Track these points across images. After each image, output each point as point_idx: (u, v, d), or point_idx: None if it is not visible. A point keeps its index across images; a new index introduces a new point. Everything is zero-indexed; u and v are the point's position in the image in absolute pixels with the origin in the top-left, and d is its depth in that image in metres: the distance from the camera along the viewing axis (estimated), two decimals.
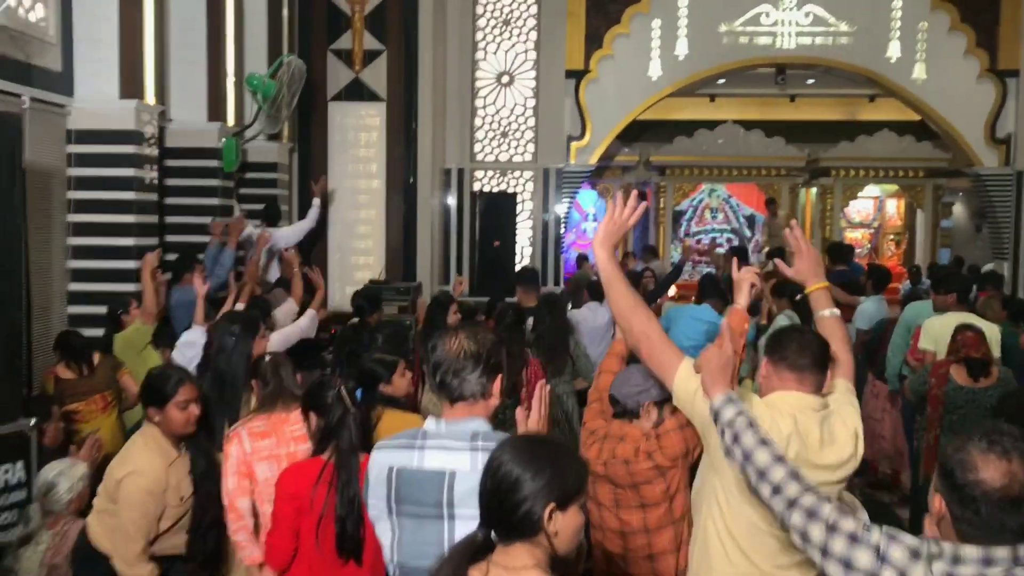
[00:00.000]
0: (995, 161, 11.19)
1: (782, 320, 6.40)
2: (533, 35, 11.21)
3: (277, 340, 5.17)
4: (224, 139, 7.78)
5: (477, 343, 2.34)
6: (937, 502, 1.73)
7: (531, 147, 11.33)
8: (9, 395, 3.88)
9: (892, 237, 15.72)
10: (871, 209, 15.77)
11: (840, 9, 11.16)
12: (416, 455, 2.30)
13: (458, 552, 1.83)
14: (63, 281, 6.36)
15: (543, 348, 5.53)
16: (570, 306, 7.18)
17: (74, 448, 3.73)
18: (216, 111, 7.87)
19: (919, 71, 11.18)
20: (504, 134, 11.35)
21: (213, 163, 7.73)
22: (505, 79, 11.27)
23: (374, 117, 10.36)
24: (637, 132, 13.30)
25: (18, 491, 3.79)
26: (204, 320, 5.29)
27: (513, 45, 11.24)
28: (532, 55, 11.22)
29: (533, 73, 11.22)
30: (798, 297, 6.46)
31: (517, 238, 11.11)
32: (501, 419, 4.25)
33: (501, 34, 11.24)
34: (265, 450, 3.41)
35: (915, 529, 1.97)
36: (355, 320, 5.97)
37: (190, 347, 5.01)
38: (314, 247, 9.99)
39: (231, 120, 8.20)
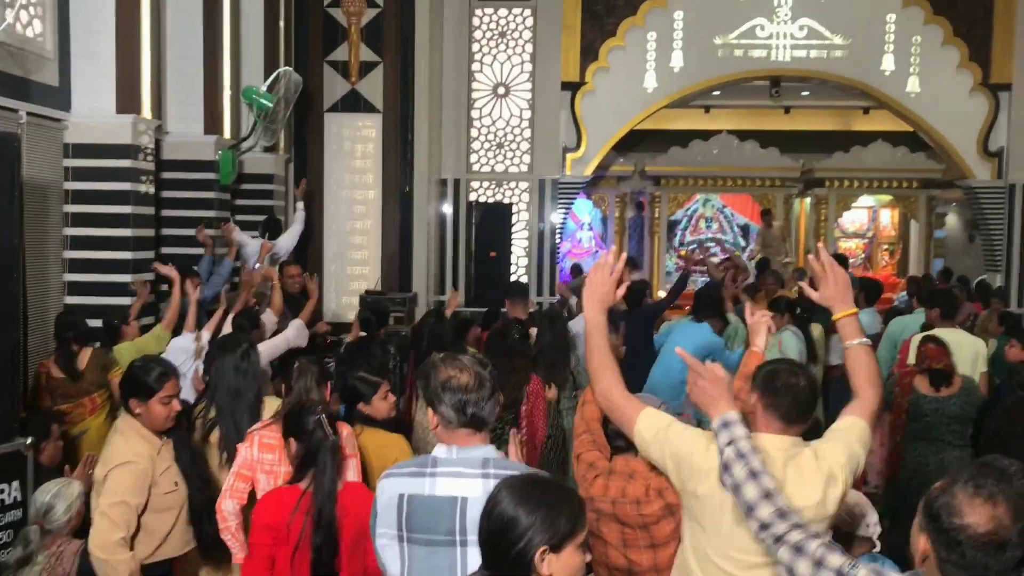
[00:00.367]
0: (987, 174, 11.26)
1: (788, 338, 6.40)
2: (529, 47, 11.27)
3: (263, 352, 5.20)
4: (220, 151, 7.82)
5: (487, 371, 2.38)
6: (922, 542, 1.76)
7: (527, 158, 11.38)
8: (7, 413, 3.89)
9: (886, 247, 15.79)
10: (865, 219, 15.84)
11: (834, 22, 11.24)
12: (427, 482, 2.33)
13: None
14: (60, 294, 6.37)
15: (545, 364, 5.54)
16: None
17: (68, 468, 3.74)
18: (213, 124, 7.90)
19: (913, 84, 11.25)
20: (500, 145, 11.40)
21: (210, 175, 7.76)
22: (501, 90, 11.32)
23: (370, 128, 10.40)
24: (632, 142, 13.35)
25: (14, 511, 3.81)
26: (195, 327, 5.32)
27: (509, 57, 11.30)
28: (528, 67, 11.28)
29: (529, 85, 11.28)
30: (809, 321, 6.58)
31: (513, 248, 11.16)
32: (499, 433, 4.28)
33: (497, 46, 11.30)
34: (267, 463, 3.47)
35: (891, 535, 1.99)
36: (363, 334, 5.99)
37: (181, 352, 5.06)
38: (306, 253, 10.04)
39: (228, 132, 8.23)
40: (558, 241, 11.91)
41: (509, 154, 11.41)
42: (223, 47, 8.20)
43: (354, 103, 10.34)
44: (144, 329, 5.84)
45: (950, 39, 11.09)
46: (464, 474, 2.31)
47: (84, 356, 5.08)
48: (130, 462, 3.24)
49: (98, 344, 5.36)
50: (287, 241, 8.19)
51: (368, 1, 10.28)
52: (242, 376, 3.84)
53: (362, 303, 9.42)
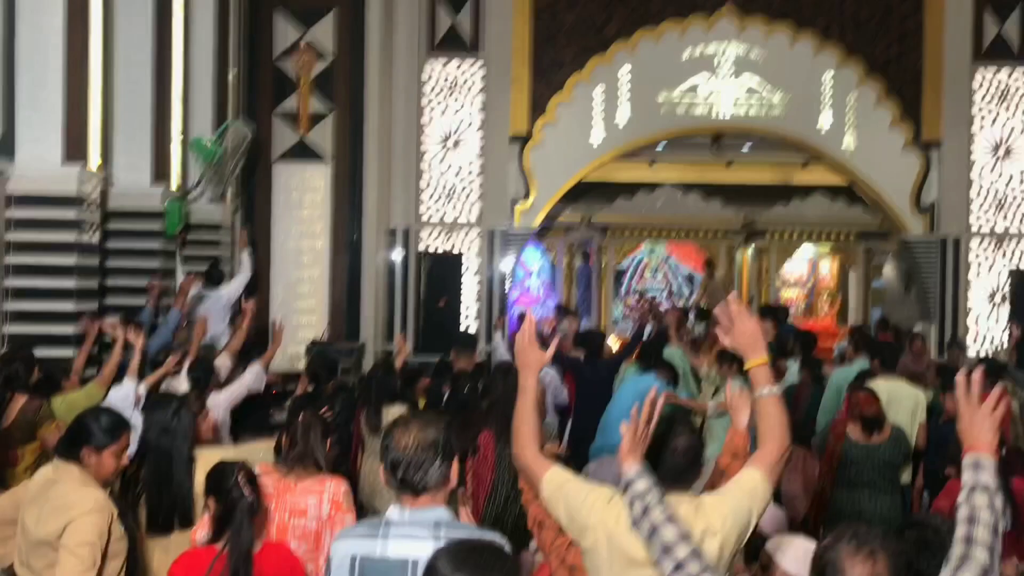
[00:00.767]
0: (921, 227, 11.65)
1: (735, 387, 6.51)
2: (479, 100, 11.45)
3: (224, 398, 5.18)
4: (167, 202, 7.79)
5: (434, 432, 2.40)
6: None
7: (476, 208, 11.50)
8: None
9: (826, 296, 16.18)
10: (806, 269, 16.22)
11: (774, 80, 11.61)
12: (379, 544, 2.35)
13: None
14: None
15: (497, 417, 5.50)
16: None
17: None
18: (160, 173, 7.88)
19: (849, 140, 11.65)
20: (450, 195, 11.51)
21: (156, 226, 7.72)
22: (451, 142, 11.46)
23: (319, 178, 10.45)
24: (580, 192, 13.56)
25: None
26: (138, 374, 5.20)
27: (459, 109, 11.46)
28: (478, 119, 11.45)
29: (478, 137, 11.45)
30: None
31: (462, 297, 11.22)
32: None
33: (447, 98, 11.46)
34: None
35: None
36: (310, 388, 5.96)
37: (121, 402, 4.93)
38: (251, 299, 9.97)
39: (175, 183, 8.21)
40: (507, 289, 12.00)
41: (459, 204, 11.52)
42: (173, 96, 8.22)
43: (303, 153, 10.39)
44: (86, 381, 5.73)
45: (884, 98, 11.52)
46: (416, 536, 2.33)
47: (15, 407, 4.81)
48: (95, 510, 3.16)
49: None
50: (232, 290, 8.14)
51: (318, 53, 10.39)
52: (171, 436, 3.78)
53: (308, 353, 9.40)
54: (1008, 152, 11.58)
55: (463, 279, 11.24)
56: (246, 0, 10.19)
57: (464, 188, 11.50)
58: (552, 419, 6.72)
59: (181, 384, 5.11)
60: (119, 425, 3.35)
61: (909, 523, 3.01)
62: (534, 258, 16.00)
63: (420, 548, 2.29)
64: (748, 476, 2.56)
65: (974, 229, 11.58)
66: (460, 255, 11.29)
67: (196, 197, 8.36)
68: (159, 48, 7.81)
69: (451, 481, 2.43)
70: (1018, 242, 11.59)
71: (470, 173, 11.49)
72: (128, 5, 7.67)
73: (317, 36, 10.40)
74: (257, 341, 6.27)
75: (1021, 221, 11.60)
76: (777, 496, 3.07)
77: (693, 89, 11.62)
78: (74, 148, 6.44)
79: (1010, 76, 11.58)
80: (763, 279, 14.64)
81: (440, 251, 11.39)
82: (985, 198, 11.59)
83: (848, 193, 14.03)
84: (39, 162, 6.30)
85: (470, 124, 11.47)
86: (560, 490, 2.63)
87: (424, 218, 11.48)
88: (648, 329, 8.17)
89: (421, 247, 11.42)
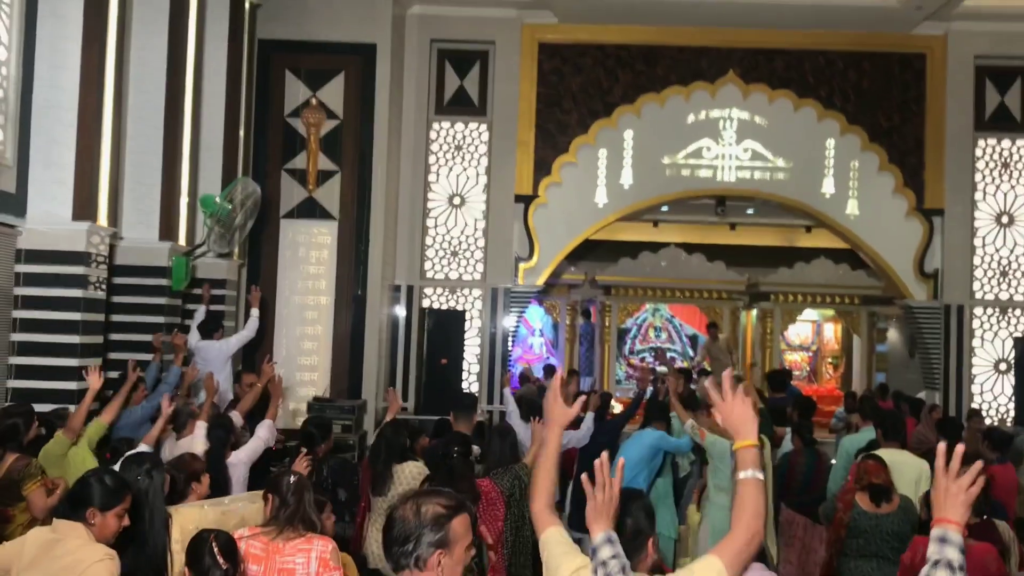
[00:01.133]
0: (924, 294, 11.68)
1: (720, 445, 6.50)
2: (484, 160, 11.60)
3: (245, 456, 5.19)
4: (174, 258, 7.85)
5: (424, 510, 2.36)
6: None
7: (480, 266, 11.57)
8: None
9: (830, 360, 16.11)
10: (810, 333, 16.19)
11: (777, 146, 11.76)
12: None
13: None
14: (0, 400, 6.26)
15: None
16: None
17: None
18: (168, 230, 7.95)
19: (852, 207, 11.74)
20: (454, 253, 11.59)
21: (162, 281, 7.76)
22: (456, 201, 11.58)
23: (325, 235, 10.54)
24: (583, 252, 13.64)
25: None
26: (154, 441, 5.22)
27: (465, 169, 11.61)
28: (483, 179, 11.59)
29: (483, 196, 11.57)
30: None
31: (465, 355, 11.22)
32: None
33: (453, 158, 11.61)
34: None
35: None
36: (304, 450, 5.93)
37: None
38: (255, 357, 9.99)
39: (183, 239, 8.28)
40: (510, 347, 12.00)
41: (463, 262, 11.60)
42: (183, 154, 8.32)
43: (310, 210, 10.50)
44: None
45: (885, 166, 11.65)
46: None
47: (4, 465, 4.73)
48: (107, 558, 3.23)
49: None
50: (231, 345, 8.12)
51: (328, 112, 10.55)
52: (144, 494, 3.77)
53: (310, 410, 9.37)
54: (1011, 220, 11.66)
55: (465, 336, 11.25)
56: (257, 60, 10.40)
57: (468, 247, 11.59)
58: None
59: (198, 443, 5.10)
60: (122, 486, 3.43)
61: None
62: (537, 316, 16.02)
63: None
64: (709, 564, 2.46)
65: (977, 296, 11.61)
66: (463, 312, 11.32)
67: (202, 254, 8.41)
68: (170, 106, 7.94)
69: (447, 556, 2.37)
70: (1023, 311, 11.59)
71: (475, 231, 11.59)
72: (141, 65, 7.84)
73: (327, 96, 10.58)
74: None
75: None
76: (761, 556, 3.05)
77: (697, 152, 11.77)
78: (84, 205, 6.52)
79: (1012, 145, 11.71)
80: (767, 342, 14.59)
81: (443, 308, 11.42)
82: (989, 266, 11.63)
83: (851, 258, 14.08)
84: (50, 219, 6.39)
85: (476, 184, 11.60)
86: (545, 548, 2.75)
87: (428, 275, 11.56)
88: (648, 392, 8.18)
89: (424, 304, 11.46)
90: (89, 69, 6.53)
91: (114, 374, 6.70)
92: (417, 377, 11.27)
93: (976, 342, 11.58)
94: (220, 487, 4.93)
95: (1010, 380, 11.36)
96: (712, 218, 14.45)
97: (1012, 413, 11.17)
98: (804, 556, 6.90)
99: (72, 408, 6.06)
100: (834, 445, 8.30)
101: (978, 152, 11.70)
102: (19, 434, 4.92)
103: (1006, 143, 11.73)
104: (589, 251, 14.34)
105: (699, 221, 15.26)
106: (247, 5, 9.81)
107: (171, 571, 3.64)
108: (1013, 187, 11.69)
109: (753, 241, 15.80)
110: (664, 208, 13.28)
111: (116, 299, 7.52)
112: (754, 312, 15.23)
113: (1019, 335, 11.47)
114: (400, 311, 11.43)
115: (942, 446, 2.44)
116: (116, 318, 7.54)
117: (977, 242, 11.65)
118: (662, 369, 11.43)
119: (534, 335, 16.22)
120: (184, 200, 8.33)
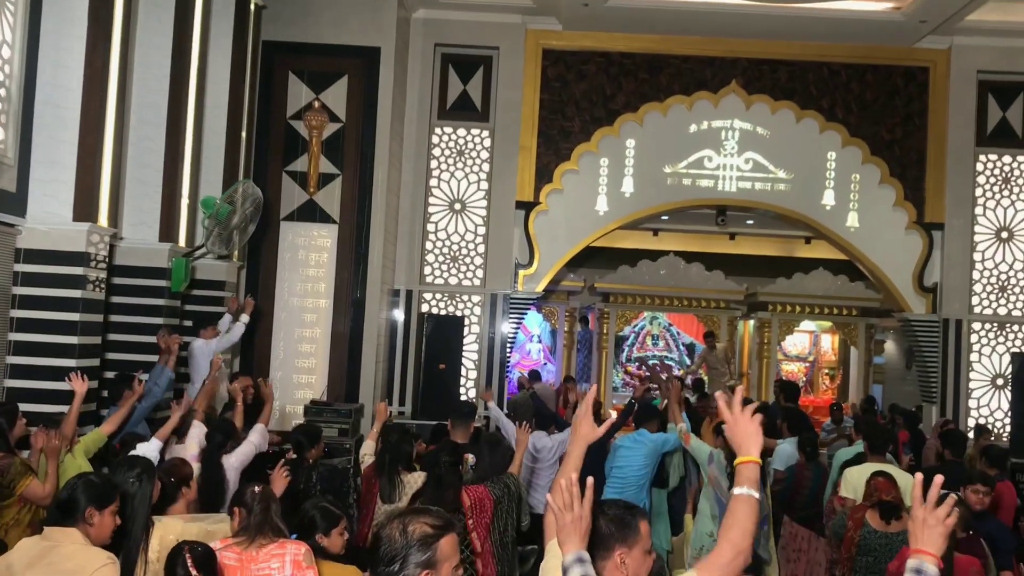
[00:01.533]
0: (923, 307, 11.69)
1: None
2: (486, 167, 11.59)
3: (236, 461, 5.17)
4: (173, 259, 7.82)
5: (411, 529, 2.30)
6: None
7: (480, 272, 11.56)
8: None
9: (827, 371, 16.12)
10: (807, 344, 16.21)
11: (778, 158, 11.76)
12: None
13: None
14: None
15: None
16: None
17: None
18: (168, 232, 7.92)
19: (852, 219, 11.75)
20: (454, 259, 11.58)
21: (161, 282, 7.74)
22: (457, 206, 11.57)
23: (325, 238, 10.52)
24: (582, 258, 13.64)
25: None
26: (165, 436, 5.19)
27: (466, 175, 11.60)
28: (484, 185, 11.58)
29: (484, 202, 11.56)
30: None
31: (462, 360, 11.19)
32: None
33: (455, 164, 11.61)
34: None
35: None
36: (293, 456, 5.90)
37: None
38: (252, 359, 10.01)
39: (183, 241, 8.25)
40: (508, 353, 11.99)
41: (463, 268, 11.59)
42: (184, 156, 8.30)
43: (311, 213, 10.48)
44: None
45: (886, 179, 11.66)
46: None
47: None
48: (110, 563, 3.25)
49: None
50: (215, 347, 8.01)
51: (330, 115, 10.54)
52: (130, 500, 3.75)
53: (307, 413, 9.34)
54: (1011, 236, 11.66)
55: (464, 342, 11.23)
56: (261, 62, 10.39)
57: (468, 252, 11.58)
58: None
59: (192, 444, 5.07)
60: (112, 487, 3.48)
61: None
62: (535, 322, 16.01)
63: None
64: None
65: (976, 311, 11.61)
66: (462, 317, 11.31)
67: (201, 255, 8.39)
68: (172, 107, 7.91)
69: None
70: (1021, 326, 11.59)
71: (475, 237, 11.58)
72: (144, 65, 7.82)
73: (330, 98, 10.57)
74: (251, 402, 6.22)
75: None
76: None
77: (699, 162, 11.77)
78: (85, 205, 6.50)
79: (1013, 160, 11.72)
80: (764, 352, 14.59)
81: (442, 313, 11.41)
82: (988, 280, 11.64)
83: (849, 269, 14.08)
84: (50, 219, 6.37)
85: (477, 189, 11.59)
86: (546, 556, 2.77)
87: (428, 280, 11.54)
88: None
89: (424, 309, 11.45)
90: (93, 69, 6.51)
91: (111, 374, 6.68)
92: (415, 382, 11.26)
93: (974, 356, 11.58)
94: (218, 489, 4.92)
95: (1006, 395, 11.36)
96: (711, 227, 14.45)
97: (1008, 428, 11.16)
98: (809, 570, 6.87)
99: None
100: (826, 457, 8.29)
101: (979, 167, 11.70)
102: (4, 433, 4.93)
103: (1007, 158, 11.73)
104: (588, 258, 14.34)
105: (699, 230, 15.26)
106: (252, 6, 9.80)
107: None
108: (1013, 203, 11.70)
109: (752, 251, 15.81)
110: (664, 217, 13.26)
111: (115, 300, 7.50)
112: (752, 322, 15.23)
113: (1016, 350, 11.47)
114: (399, 315, 11.42)
115: (919, 476, 2.43)
116: (115, 319, 7.52)
117: (976, 257, 11.65)
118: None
119: (532, 341, 16.23)
120: (185, 201, 8.31)
